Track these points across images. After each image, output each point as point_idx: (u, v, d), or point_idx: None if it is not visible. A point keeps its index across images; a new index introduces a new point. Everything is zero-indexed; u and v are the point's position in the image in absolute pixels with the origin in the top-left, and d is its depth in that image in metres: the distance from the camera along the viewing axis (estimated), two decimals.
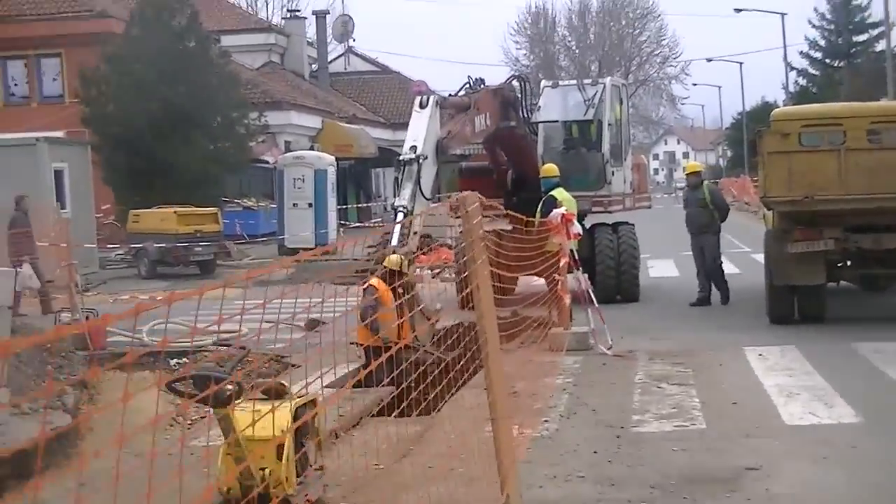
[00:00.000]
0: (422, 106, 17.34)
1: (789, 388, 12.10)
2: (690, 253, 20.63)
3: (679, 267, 27.50)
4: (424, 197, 17.05)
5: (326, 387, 13.62)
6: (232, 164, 36.12)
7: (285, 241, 34.67)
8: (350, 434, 11.26)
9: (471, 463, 9.11)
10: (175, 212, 28.68)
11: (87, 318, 18.16)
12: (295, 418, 8.14)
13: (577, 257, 15.92)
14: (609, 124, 21.32)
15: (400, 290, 14.36)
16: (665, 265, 28.09)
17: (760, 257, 29.04)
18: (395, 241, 16.22)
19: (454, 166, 26.87)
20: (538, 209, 18.13)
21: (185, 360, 16.84)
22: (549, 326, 16.57)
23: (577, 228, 15.73)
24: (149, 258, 28.65)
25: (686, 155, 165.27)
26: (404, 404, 10.89)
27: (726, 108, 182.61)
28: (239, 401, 7.60)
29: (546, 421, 10.97)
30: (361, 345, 13.83)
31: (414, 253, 16.60)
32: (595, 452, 9.73)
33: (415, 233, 16.66)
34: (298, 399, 8.42)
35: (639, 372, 13.58)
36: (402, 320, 13.18)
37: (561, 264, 15.70)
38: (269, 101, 43.91)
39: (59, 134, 34.86)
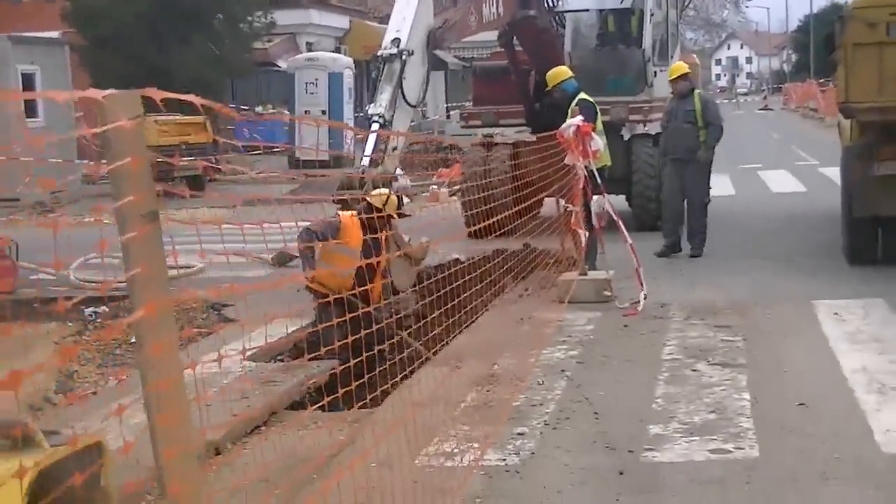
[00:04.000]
0: None
1: (881, 375, 8.46)
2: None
3: (736, 185, 23.71)
4: (408, 103, 13.49)
5: (250, 354, 10.23)
6: (236, 69, 32.46)
7: (296, 152, 31.21)
8: (239, 447, 7.81)
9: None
10: (155, 121, 25.15)
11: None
12: (49, 481, 4.55)
13: (598, 179, 12.21)
14: (652, 14, 17.52)
15: (376, 235, 10.84)
16: (720, 182, 24.21)
17: (830, 172, 25.32)
18: (365, 161, 12.73)
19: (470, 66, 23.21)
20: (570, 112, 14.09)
21: (103, 308, 13.47)
22: (562, 267, 13.02)
23: (596, 144, 12.03)
24: None
25: (749, 60, 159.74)
26: (352, 386, 7.41)
27: (793, 11, 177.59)
28: None
29: (520, 435, 7.41)
30: (313, 291, 10.50)
31: (391, 175, 13.09)
32: None
33: (394, 149, 13.14)
34: (55, 451, 4.79)
35: (669, 341, 9.99)
36: (375, 269, 9.78)
37: (575, 190, 12.05)
38: None
39: (55, 34, 31.41)
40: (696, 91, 14.90)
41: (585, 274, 12.12)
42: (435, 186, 24.18)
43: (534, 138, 18.43)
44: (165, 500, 3.15)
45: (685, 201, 14.78)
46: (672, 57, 18.55)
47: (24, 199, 23.87)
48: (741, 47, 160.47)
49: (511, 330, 10.68)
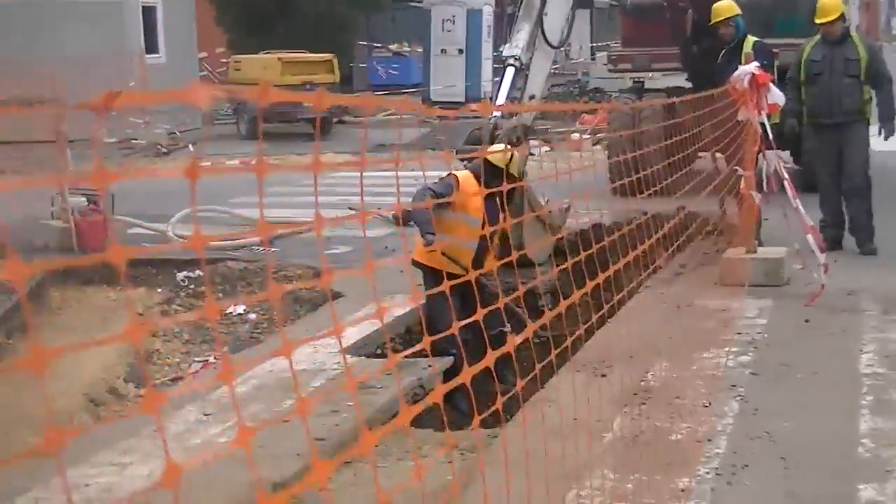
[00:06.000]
0: None
1: None
2: None
3: None
4: (549, 44, 11.58)
5: (347, 351, 8.55)
6: (369, 4, 30.75)
7: (430, 92, 29.47)
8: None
9: None
10: (279, 58, 23.64)
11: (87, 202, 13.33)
12: None
13: (770, 135, 10.13)
14: None
15: (501, 199, 9.01)
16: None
17: None
18: (497, 111, 10.92)
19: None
20: (739, 57, 11.80)
21: (198, 272, 11.93)
22: (724, 238, 11.01)
23: (775, 97, 9.96)
24: (248, 114, 23.81)
25: None
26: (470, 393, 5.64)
27: None
28: None
29: (683, 492, 5.55)
30: (416, 263, 8.78)
31: (528, 128, 11.26)
32: None
33: (531, 97, 11.30)
34: None
35: (866, 346, 8.00)
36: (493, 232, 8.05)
37: (748, 150, 10.02)
38: None
39: None
40: (854, 34, 11.85)
41: (755, 251, 10.13)
42: (577, 133, 22.22)
43: (689, 85, 16.43)
44: None
45: (843, 182, 11.57)
46: None
47: (141, 138, 22.60)
48: None
49: (667, 322, 8.78)
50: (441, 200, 8.53)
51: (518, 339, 8.88)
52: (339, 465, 6.47)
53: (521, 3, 11.50)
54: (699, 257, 11.10)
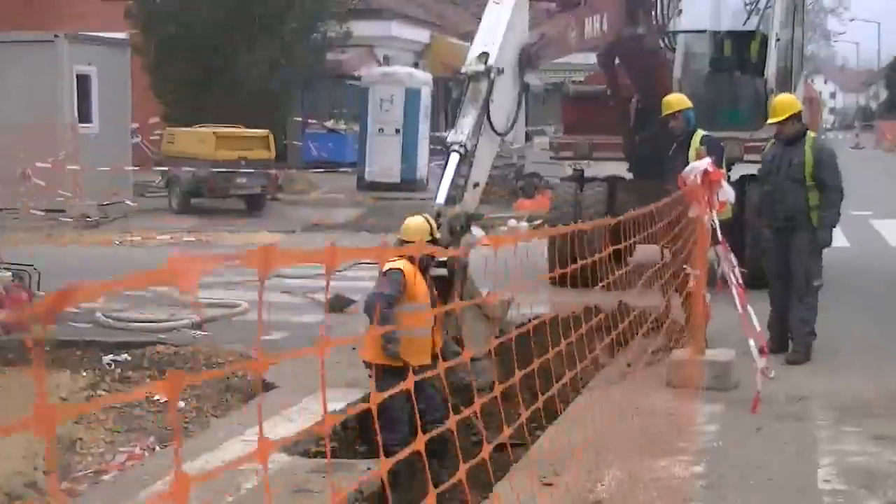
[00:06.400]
0: None
1: None
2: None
3: (848, 236, 20.90)
4: (494, 130, 11.31)
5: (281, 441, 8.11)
6: (304, 79, 30.56)
7: (366, 172, 29.22)
8: None
9: None
10: (214, 133, 23.24)
11: (13, 278, 12.80)
12: None
13: (719, 235, 9.88)
14: (778, 39, 15.23)
15: (428, 277, 8.97)
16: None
17: None
18: (441, 198, 10.61)
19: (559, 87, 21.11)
20: (691, 151, 11.46)
21: (125, 355, 11.45)
22: (669, 336, 10.74)
23: (726, 194, 9.75)
24: (181, 188, 23.38)
25: (833, 95, 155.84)
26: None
27: (886, 45, 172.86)
28: None
29: None
30: (370, 363, 8.50)
31: (471, 216, 10.96)
32: None
33: (475, 185, 11.02)
34: None
35: (823, 458, 7.73)
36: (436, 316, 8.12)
37: (699, 248, 9.78)
38: (369, 9, 38.04)
39: (121, 35, 29.64)
40: (810, 135, 11.25)
41: (702, 353, 9.87)
42: (514, 221, 22.00)
43: (630, 175, 16.29)
44: None
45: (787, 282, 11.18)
46: (796, 88, 16.26)
47: (70, 210, 22.04)
48: (825, 82, 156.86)
49: (615, 426, 8.45)
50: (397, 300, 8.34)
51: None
52: None
53: (467, 87, 11.25)
54: (646, 356, 10.81)
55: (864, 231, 22.17)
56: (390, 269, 8.36)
